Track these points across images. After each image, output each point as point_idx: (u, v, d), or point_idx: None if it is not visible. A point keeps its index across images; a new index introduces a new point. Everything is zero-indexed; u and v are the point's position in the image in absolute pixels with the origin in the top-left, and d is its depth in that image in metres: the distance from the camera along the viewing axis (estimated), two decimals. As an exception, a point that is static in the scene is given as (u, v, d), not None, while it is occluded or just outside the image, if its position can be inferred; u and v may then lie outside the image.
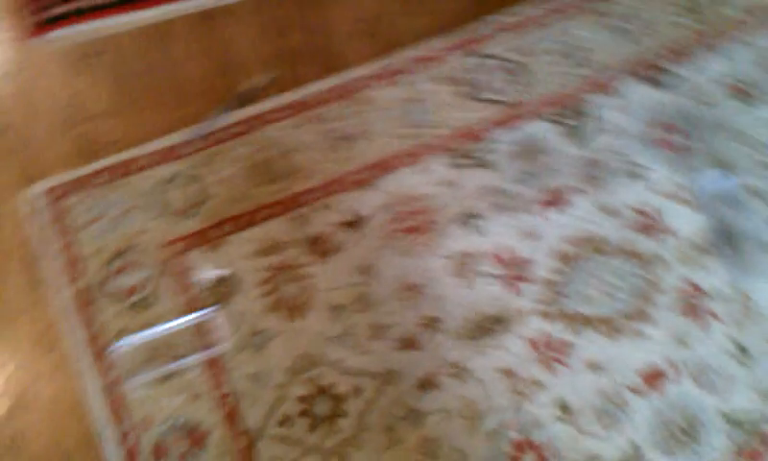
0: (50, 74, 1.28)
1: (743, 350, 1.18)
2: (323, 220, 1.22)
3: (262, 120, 1.27)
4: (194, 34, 1.32)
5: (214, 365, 1.14)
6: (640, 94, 1.30)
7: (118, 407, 1.13)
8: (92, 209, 1.21)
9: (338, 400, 1.14)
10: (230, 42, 1.32)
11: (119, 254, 1.19)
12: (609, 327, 1.18)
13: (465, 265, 1.21)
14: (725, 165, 1.26)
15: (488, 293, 1.19)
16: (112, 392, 1.13)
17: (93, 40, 1.29)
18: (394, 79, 1.29)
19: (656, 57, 1.33)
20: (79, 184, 1.22)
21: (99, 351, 1.15)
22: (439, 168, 1.25)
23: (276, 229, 1.21)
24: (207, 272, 1.19)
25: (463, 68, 1.31)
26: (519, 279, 1.20)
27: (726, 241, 1.22)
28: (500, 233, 1.22)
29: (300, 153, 1.25)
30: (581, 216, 1.23)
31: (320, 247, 1.20)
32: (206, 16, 1.32)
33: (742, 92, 1.35)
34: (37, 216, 1.21)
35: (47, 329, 1.16)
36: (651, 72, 1.32)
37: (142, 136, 1.26)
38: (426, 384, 1.15)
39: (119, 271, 1.18)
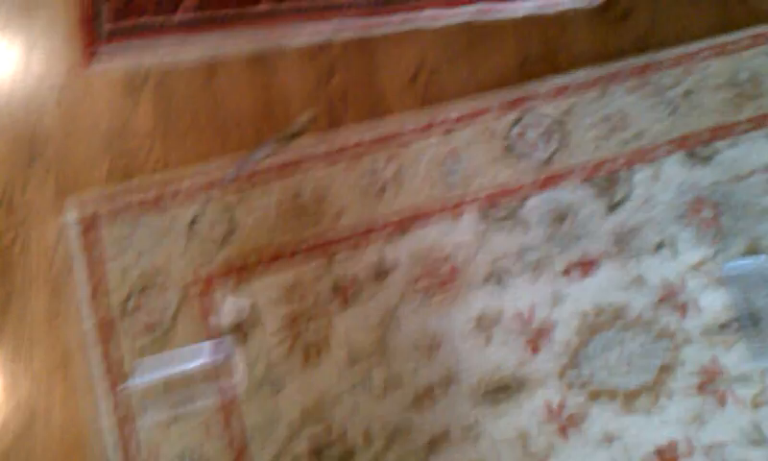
0: (94, 96, 1.28)
1: (759, 432, 1.17)
2: (348, 267, 1.21)
3: (297, 161, 1.26)
4: (240, 70, 1.31)
5: (228, 404, 1.13)
6: (676, 166, 1.29)
7: (128, 441, 1.12)
8: (121, 241, 1.20)
9: (347, 448, 1.13)
10: (276, 81, 1.31)
11: (142, 289, 1.18)
12: (626, 398, 1.17)
13: (485, 323, 1.19)
14: (755, 244, 1.24)
15: (506, 353, 1.18)
16: (123, 425, 1.12)
17: (140, 67, 1.29)
18: (431, 130, 1.28)
19: (697, 131, 1.32)
20: (111, 212, 1.21)
21: (113, 384, 1.14)
22: (469, 223, 1.24)
23: (300, 272, 1.20)
24: (228, 310, 1.18)
25: (502, 126, 1.30)
26: (539, 341, 1.19)
27: (750, 321, 1.21)
28: (523, 294, 1.21)
29: (332, 197, 1.24)
30: (606, 284, 1.22)
31: (342, 294, 1.20)
32: (257, 56, 1.31)
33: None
34: (66, 243, 1.20)
35: (63, 357, 1.16)
36: (690, 146, 1.31)
37: (179, 167, 1.25)
38: (438, 441, 1.14)
39: (140, 305, 1.18)
